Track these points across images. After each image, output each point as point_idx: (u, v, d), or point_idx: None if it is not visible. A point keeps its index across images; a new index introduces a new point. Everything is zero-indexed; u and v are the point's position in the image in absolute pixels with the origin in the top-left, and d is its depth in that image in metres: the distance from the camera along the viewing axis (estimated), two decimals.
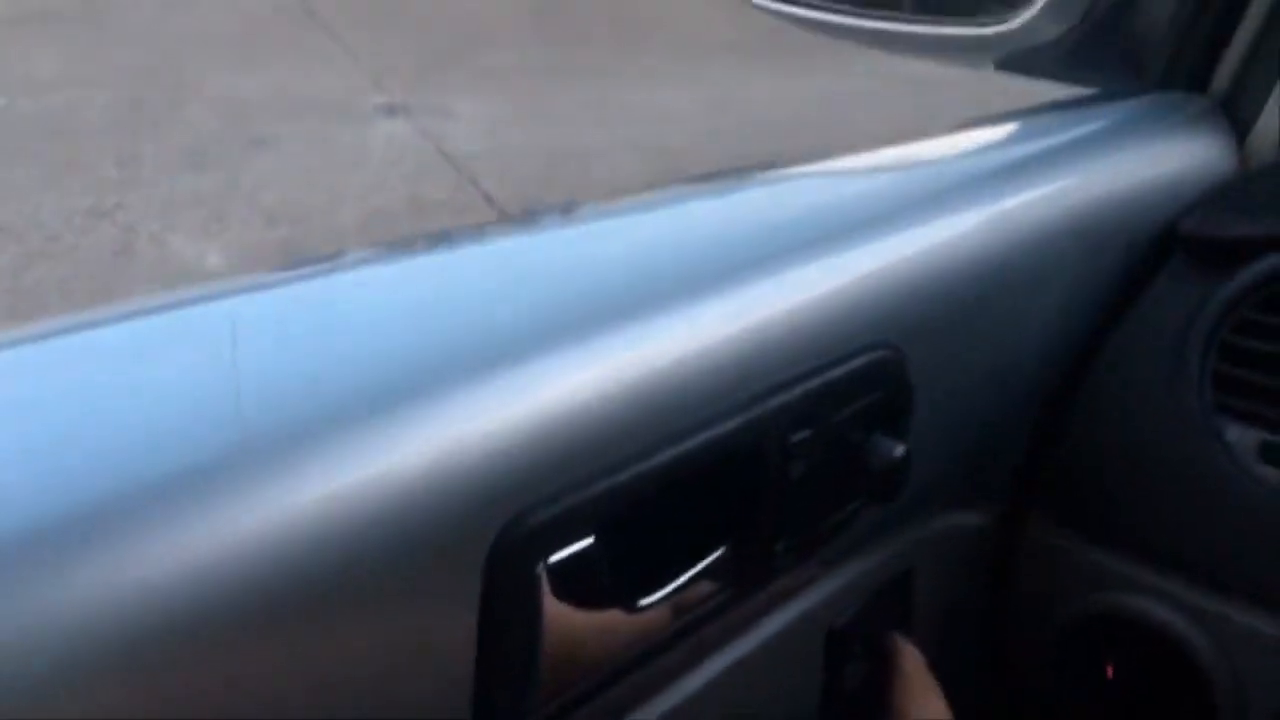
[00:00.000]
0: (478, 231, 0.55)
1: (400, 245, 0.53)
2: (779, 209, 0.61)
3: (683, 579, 0.52)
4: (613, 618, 0.49)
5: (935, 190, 0.66)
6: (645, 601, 0.50)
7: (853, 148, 0.70)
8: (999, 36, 0.98)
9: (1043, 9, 0.95)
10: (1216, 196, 0.82)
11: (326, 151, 4.75)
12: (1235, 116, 0.90)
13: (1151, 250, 0.79)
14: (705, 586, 0.54)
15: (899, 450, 0.58)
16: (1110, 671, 0.76)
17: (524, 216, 0.58)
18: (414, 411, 0.41)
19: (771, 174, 0.66)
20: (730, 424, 0.51)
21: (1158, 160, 0.84)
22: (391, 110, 5.39)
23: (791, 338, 0.54)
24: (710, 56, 5.92)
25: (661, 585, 0.51)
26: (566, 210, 0.57)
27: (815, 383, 0.55)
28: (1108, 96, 0.89)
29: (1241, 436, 0.72)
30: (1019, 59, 0.99)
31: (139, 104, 5.17)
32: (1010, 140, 0.78)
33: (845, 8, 1.06)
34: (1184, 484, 0.72)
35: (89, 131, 4.79)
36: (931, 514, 0.74)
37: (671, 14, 7.35)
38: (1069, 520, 0.77)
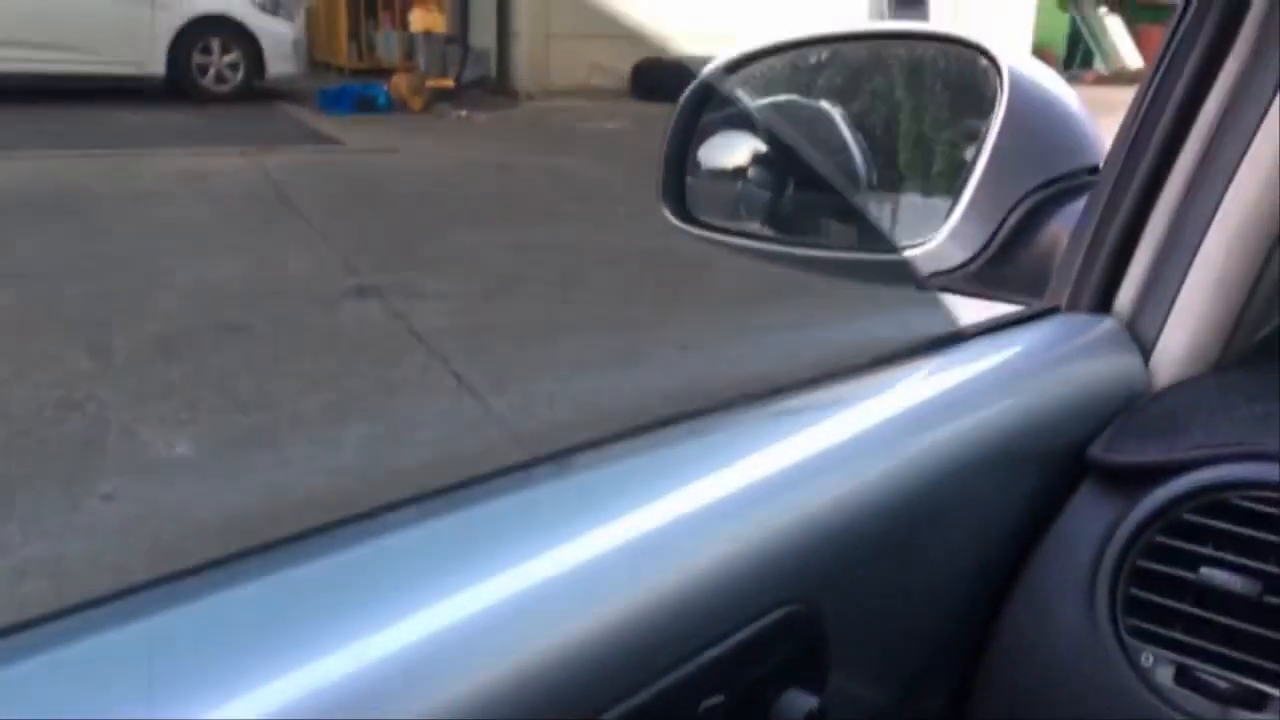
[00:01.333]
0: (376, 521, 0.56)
1: (324, 533, 0.54)
2: (681, 470, 0.64)
3: None
4: None
5: (844, 440, 0.69)
6: None
7: (757, 396, 0.73)
8: (916, 260, 1.03)
9: (951, 234, 1.01)
10: (1124, 419, 0.86)
11: (297, 335, 4.82)
12: (1139, 336, 0.95)
13: (1063, 475, 0.82)
14: None
15: (813, 704, 0.60)
16: None
17: (394, 505, 0.57)
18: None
19: (671, 431, 0.68)
20: (637, 699, 0.52)
21: (1066, 383, 0.88)
22: (362, 292, 5.49)
23: (698, 604, 0.56)
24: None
25: None
26: (445, 498, 0.58)
27: (724, 647, 0.57)
28: (1015, 321, 0.94)
29: (1157, 661, 0.74)
30: (936, 280, 1.04)
31: (111, 294, 5.24)
32: (919, 379, 0.81)
33: (773, 235, 1.12)
34: (1103, 711, 0.74)
35: (62, 322, 4.85)
36: None
37: (637, 194, 7.57)
38: None
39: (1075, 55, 15.50)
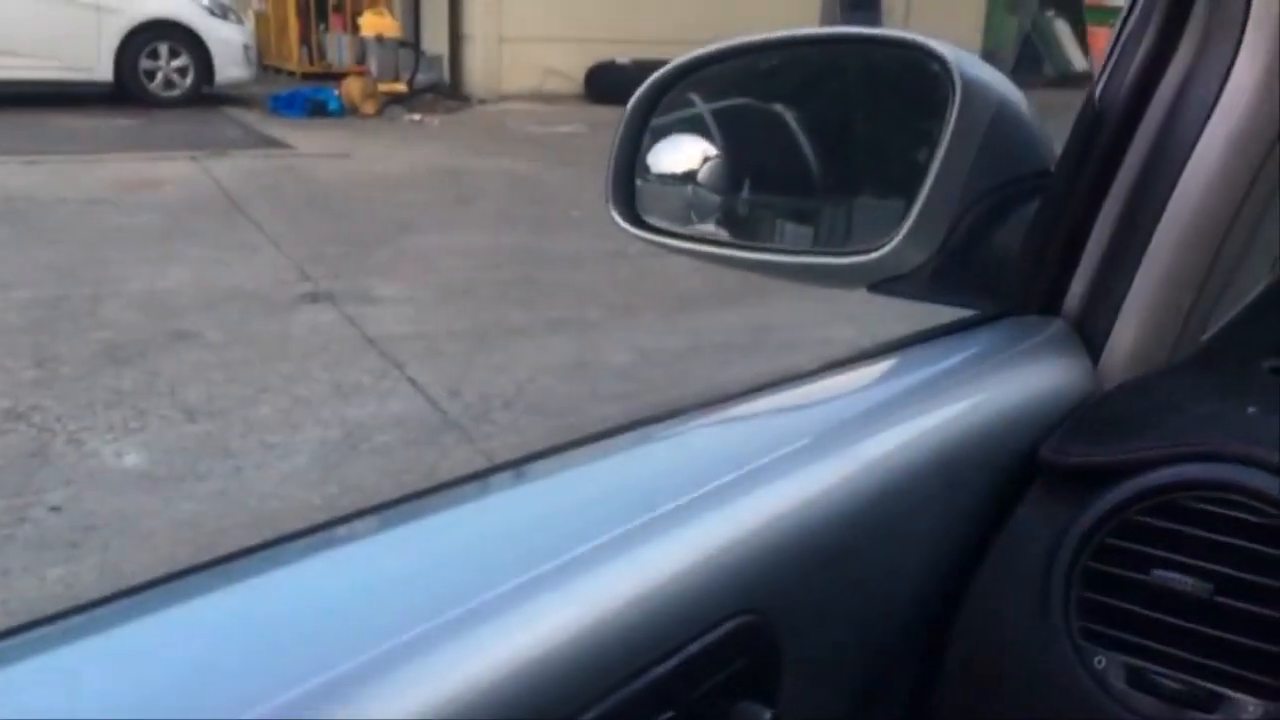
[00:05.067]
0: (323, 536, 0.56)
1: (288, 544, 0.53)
2: (629, 481, 0.63)
3: None
4: None
5: (794, 447, 0.69)
6: None
7: (707, 403, 0.72)
8: (869, 265, 1.03)
9: (904, 238, 1.01)
10: (1073, 421, 0.86)
11: (248, 342, 4.76)
12: (1088, 337, 0.95)
13: (1014, 478, 0.82)
14: None
15: (766, 716, 0.59)
16: None
17: (359, 520, 0.56)
18: None
19: (619, 441, 0.67)
20: (588, 716, 0.51)
21: (1016, 387, 0.88)
22: (315, 297, 5.44)
23: (647, 618, 0.55)
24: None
25: None
26: (402, 508, 0.58)
27: (674, 662, 0.56)
28: (966, 325, 0.94)
29: (1110, 663, 0.74)
30: (888, 284, 1.04)
31: (59, 302, 5.16)
32: (869, 384, 0.81)
33: (725, 239, 1.11)
34: (1058, 716, 0.74)
35: (7, 332, 4.76)
36: None
37: (591, 198, 7.55)
38: None
39: (1025, 58, 15.66)
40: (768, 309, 5.22)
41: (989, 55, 13.24)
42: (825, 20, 12.92)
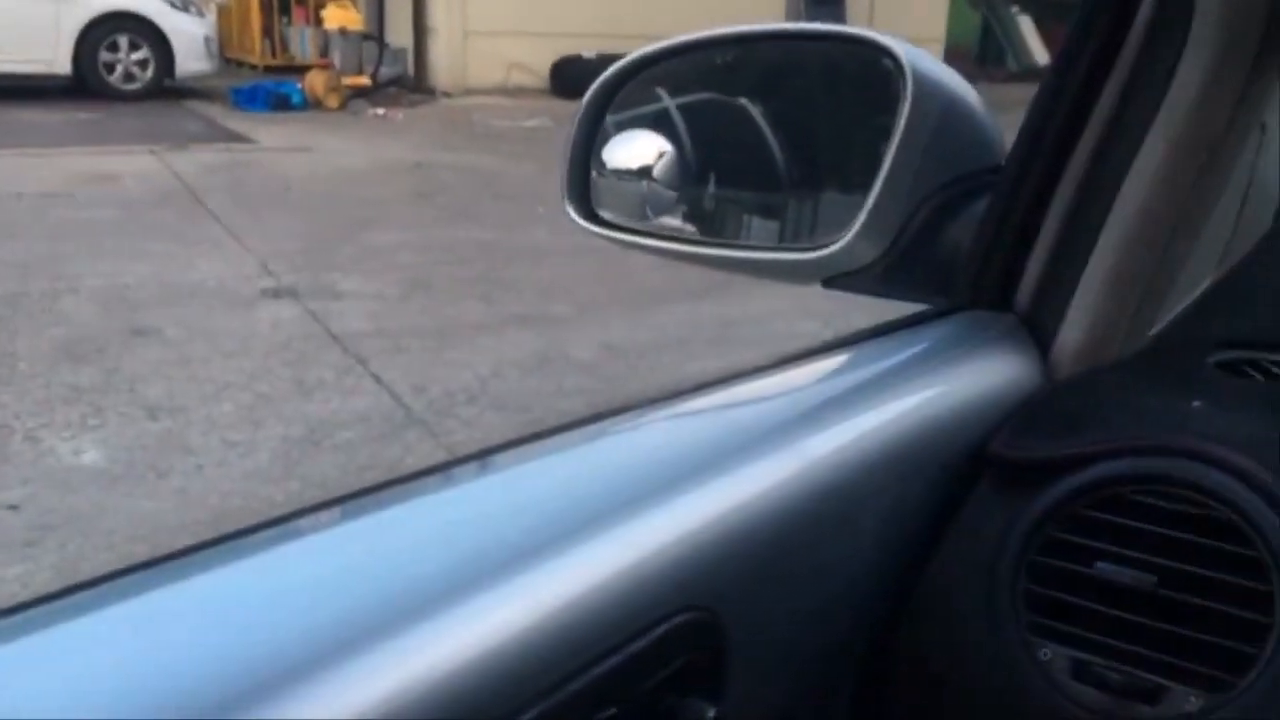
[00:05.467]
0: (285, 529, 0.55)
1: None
2: (577, 476, 0.63)
3: None
4: None
5: (743, 442, 0.69)
6: None
7: (657, 399, 0.72)
8: (822, 260, 1.03)
9: (857, 234, 1.01)
10: (1022, 415, 0.86)
11: (209, 338, 4.72)
12: (1037, 332, 0.96)
13: (963, 472, 0.83)
14: None
15: (710, 713, 0.59)
16: None
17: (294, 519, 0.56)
18: None
19: (568, 437, 0.67)
20: (529, 714, 0.51)
21: (967, 381, 0.89)
22: (277, 293, 5.40)
23: (592, 615, 0.55)
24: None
25: None
26: (347, 505, 0.57)
27: (619, 658, 0.56)
28: (918, 320, 0.94)
29: (1055, 656, 0.75)
30: (842, 280, 1.04)
31: (16, 298, 5.09)
32: (820, 379, 0.81)
33: (681, 234, 1.11)
34: (1004, 708, 0.75)
35: None
36: None
37: (556, 192, 7.52)
38: None
39: (988, 52, 15.76)
40: (735, 304, 5.23)
41: (953, 48, 13.32)
42: (790, 15, 12.96)
